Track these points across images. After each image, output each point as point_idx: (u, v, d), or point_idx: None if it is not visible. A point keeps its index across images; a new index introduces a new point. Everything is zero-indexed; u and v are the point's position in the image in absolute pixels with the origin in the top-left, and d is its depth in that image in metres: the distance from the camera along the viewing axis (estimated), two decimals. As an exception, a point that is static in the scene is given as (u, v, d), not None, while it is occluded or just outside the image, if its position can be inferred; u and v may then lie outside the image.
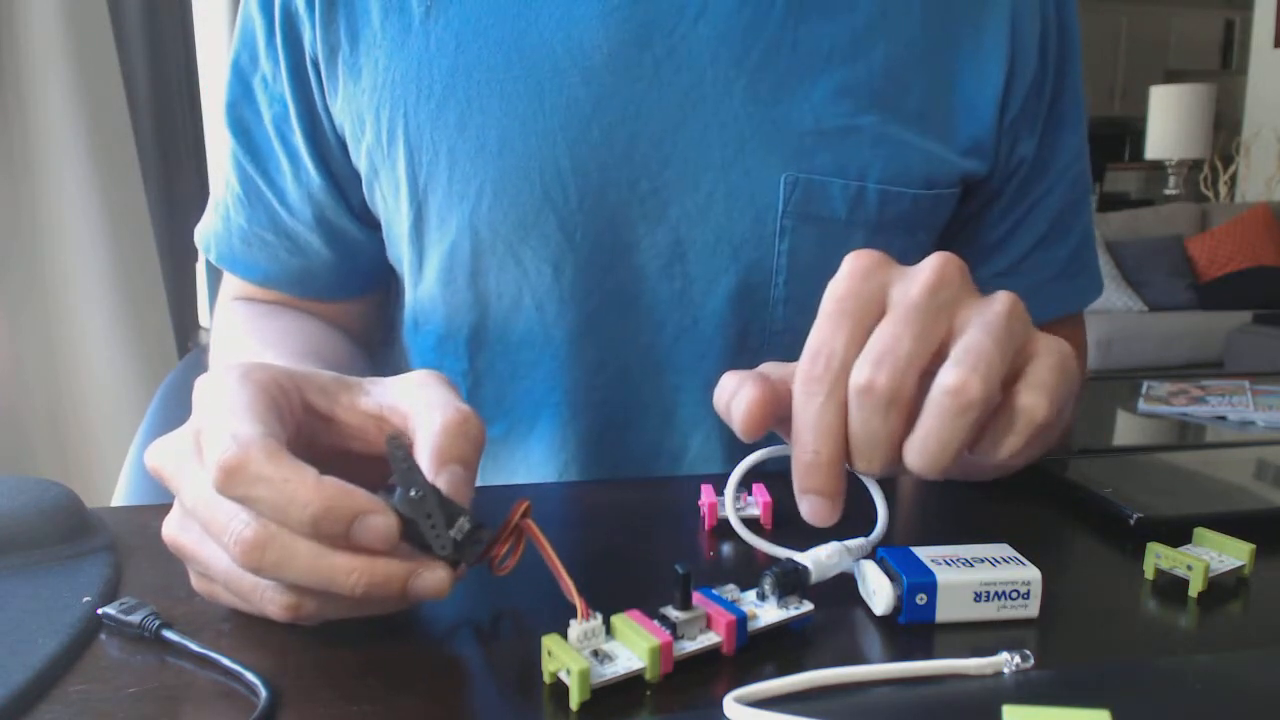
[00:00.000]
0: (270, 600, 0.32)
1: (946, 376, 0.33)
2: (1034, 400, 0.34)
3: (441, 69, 0.55)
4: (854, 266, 0.35)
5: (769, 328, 0.58)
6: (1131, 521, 0.43)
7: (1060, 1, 0.60)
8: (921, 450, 0.33)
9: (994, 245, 0.64)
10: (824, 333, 0.34)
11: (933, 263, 0.35)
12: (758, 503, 0.45)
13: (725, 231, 0.57)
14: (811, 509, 0.34)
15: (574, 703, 0.29)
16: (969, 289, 0.35)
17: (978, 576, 0.34)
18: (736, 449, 0.61)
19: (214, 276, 0.87)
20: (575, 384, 0.60)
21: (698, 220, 0.57)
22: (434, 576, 0.31)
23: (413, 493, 0.30)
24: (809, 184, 0.56)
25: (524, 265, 0.58)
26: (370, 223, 0.64)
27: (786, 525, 0.43)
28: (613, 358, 0.60)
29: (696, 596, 0.33)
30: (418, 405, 0.35)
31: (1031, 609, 0.35)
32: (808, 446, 0.34)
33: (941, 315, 0.34)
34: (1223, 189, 5.34)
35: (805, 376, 0.34)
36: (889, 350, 0.33)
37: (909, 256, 0.60)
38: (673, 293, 0.58)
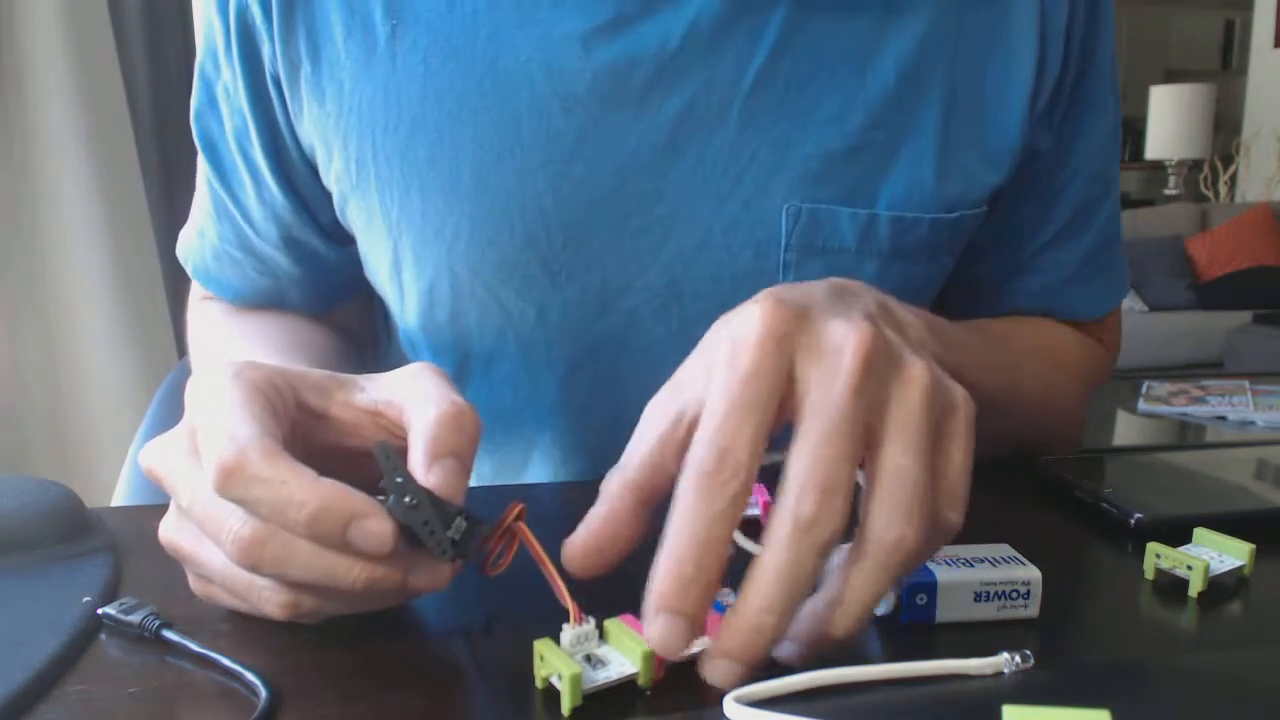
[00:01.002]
0: (268, 599, 0.31)
1: (887, 530, 0.29)
2: (951, 516, 0.31)
3: (410, 96, 0.50)
4: (760, 334, 0.30)
5: None
6: (1131, 521, 0.43)
7: None
8: (852, 607, 0.29)
9: (1001, 241, 0.60)
10: (728, 425, 0.29)
11: (855, 338, 0.30)
12: (757, 503, 0.45)
13: (724, 268, 0.53)
14: (669, 632, 0.28)
15: (565, 708, 0.29)
16: (890, 364, 0.31)
17: (978, 576, 0.34)
18: None
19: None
20: (565, 428, 0.58)
21: (694, 258, 0.53)
22: (433, 572, 0.31)
23: (407, 499, 0.30)
24: (814, 214, 0.52)
25: (506, 308, 0.54)
26: (340, 239, 0.60)
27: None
28: (604, 403, 0.57)
29: None
30: (412, 399, 0.34)
31: (1031, 609, 0.35)
32: (690, 561, 0.28)
33: (865, 417, 0.30)
34: (1223, 189, 5.34)
35: (703, 477, 0.29)
36: (836, 480, 0.28)
37: (931, 282, 0.57)
38: (669, 335, 0.54)
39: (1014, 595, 0.35)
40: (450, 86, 0.50)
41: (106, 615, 0.34)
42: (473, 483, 0.62)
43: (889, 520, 0.29)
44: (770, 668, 0.29)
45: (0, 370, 1.46)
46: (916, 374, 0.31)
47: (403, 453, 0.33)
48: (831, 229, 0.52)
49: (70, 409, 1.52)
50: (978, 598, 0.34)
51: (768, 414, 0.30)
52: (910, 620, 0.34)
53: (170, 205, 1.77)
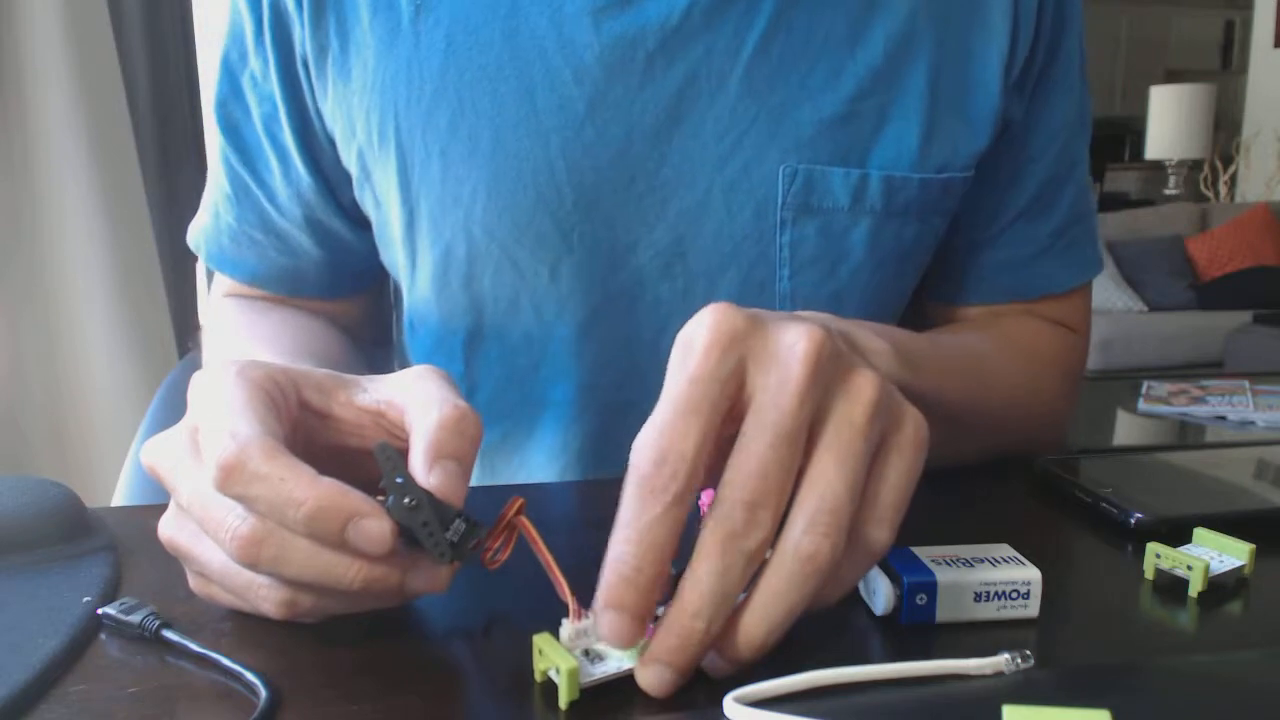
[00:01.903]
0: (265, 598, 0.32)
1: (802, 543, 0.29)
2: (878, 535, 0.31)
3: (432, 69, 0.54)
4: (709, 337, 0.31)
5: None
6: (1131, 521, 0.43)
7: None
8: (765, 616, 0.29)
9: (972, 212, 0.62)
10: (674, 429, 0.29)
11: (805, 343, 0.30)
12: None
13: (725, 227, 0.56)
14: (616, 626, 0.29)
15: (562, 701, 0.29)
16: (839, 373, 0.31)
17: (978, 576, 0.34)
18: None
19: (213, 276, 0.87)
20: (575, 388, 0.59)
21: (697, 217, 0.56)
22: (431, 573, 0.31)
23: (407, 500, 0.30)
24: (809, 174, 0.55)
25: (520, 268, 0.57)
26: (361, 222, 0.63)
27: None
28: (614, 360, 0.59)
29: None
30: (414, 401, 0.34)
31: (1031, 609, 0.35)
32: (629, 560, 0.29)
33: (808, 423, 0.30)
34: (1223, 189, 5.34)
35: (645, 482, 0.29)
36: (766, 493, 0.29)
37: (923, 243, 0.60)
38: (675, 292, 0.57)
39: (1014, 595, 0.35)
40: (470, 60, 0.54)
41: (106, 615, 0.34)
42: (483, 446, 0.63)
43: (804, 533, 0.29)
44: (701, 675, 0.30)
45: (0, 370, 1.46)
46: (864, 385, 0.31)
47: (404, 454, 0.33)
48: (825, 189, 0.55)
49: (70, 409, 1.51)
50: (978, 598, 0.35)
51: (714, 416, 0.30)
52: (910, 620, 0.34)
53: (170, 205, 1.77)
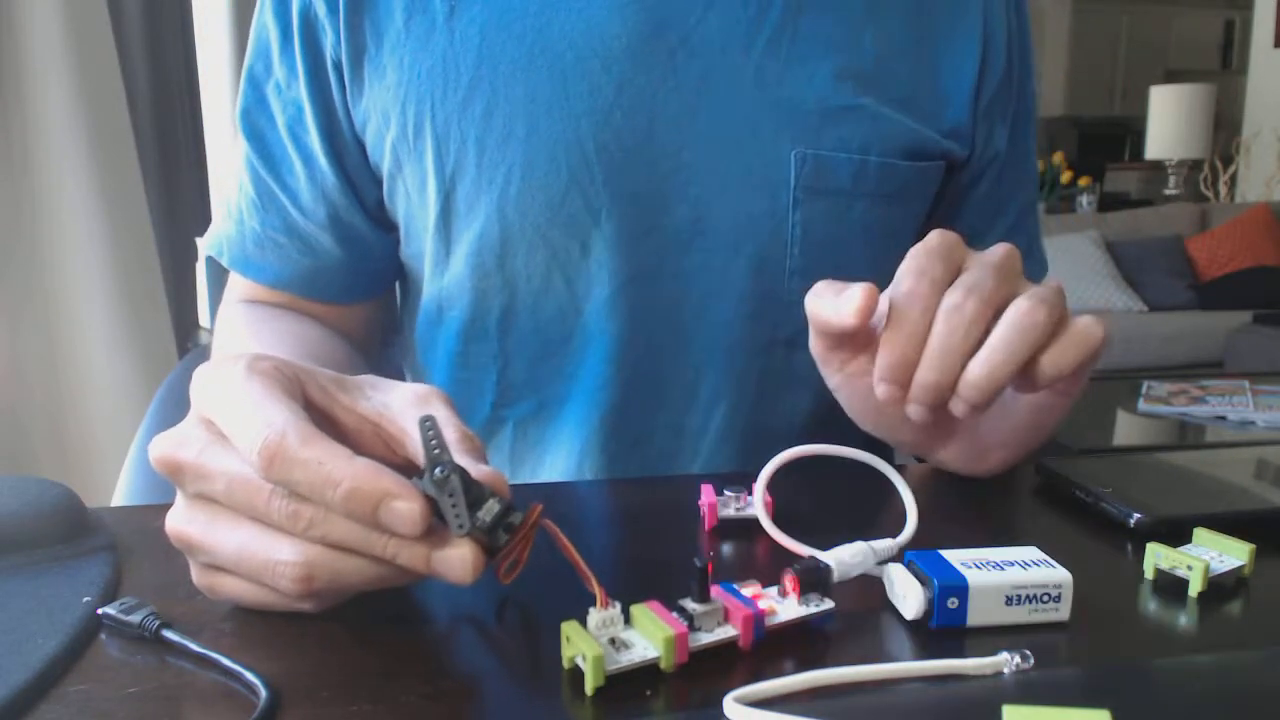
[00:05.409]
0: (282, 574, 0.32)
1: (1018, 304, 0.41)
2: (1090, 325, 0.41)
3: (467, 62, 0.58)
4: (940, 238, 0.43)
5: (785, 299, 0.61)
6: (1131, 522, 0.43)
7: (1020, 12, 0.67)
8: (987, 359, 0.40)
9: (972, 234, 0.67)
10: (921, 262, 0.42)
11: (1003, 248, 0.44)
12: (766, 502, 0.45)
13: (741, 206, 0.60)
14: (888, 394, 0.42)
15: (589, 688, 0.29)
16: (1020, 279, 0.43)
17: (1009, 579, 0.34)
18: (753, 437, 0.63)
19: (214, 277, 0.87)
20: (604, 358, 0.62)
21: (715, 197, 0.60)
22: (456, 553, 0.31)
23: (438, 471, 0.31)
24: (818, 159, 0.60)
25: (553, 246, 0.60)
26: (382, 223, 0.65)
27: (790, 524, 0.42)
28: (640, 330, 0.62)
29: (716, 590, 0.33)
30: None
31: (1063, 612, 0.35)
32: (905, 312, 0.41)
33: (1011, 280, 0.42)
34: (1223, 189, 5.34)
35: (910, 289, 0.42)
36: (978, 284, 0.41)
37: (907, 226, 0.66)
38: (694, 266, 0.61)
39: (1045, 599, 0.34)
40: (504, 52, 0.58)
41: (106, 615, 0.34)
42: (517, 417, 0.66)
43: (1027, 300, 0.41)
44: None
45: (0, 370, 1.45)
46: (1042, 286, 0.42)
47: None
48: (831, 173, 0.61)
49: (70, 409, 1.51)
50: (1009, 601, 0.34)
51: (949, 266, 0.43)
52: (941, 624, 0.34)
53: (170, 205, 1.77)
